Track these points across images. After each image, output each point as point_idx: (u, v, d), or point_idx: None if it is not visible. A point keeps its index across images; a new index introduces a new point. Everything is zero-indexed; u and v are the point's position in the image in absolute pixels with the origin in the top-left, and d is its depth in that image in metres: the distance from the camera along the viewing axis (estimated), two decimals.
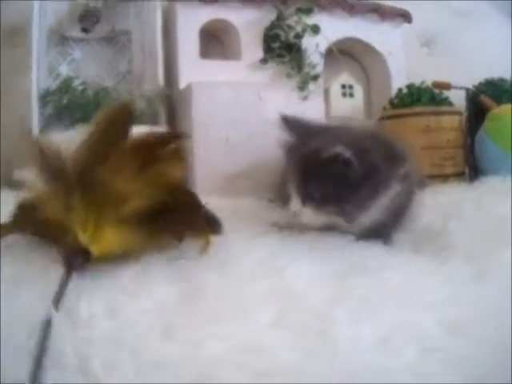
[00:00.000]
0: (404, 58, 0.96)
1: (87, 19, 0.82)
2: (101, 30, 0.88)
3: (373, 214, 0.60)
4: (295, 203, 0.59)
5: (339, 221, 0.59)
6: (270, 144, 0.69)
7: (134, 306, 0.40)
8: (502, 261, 0.55)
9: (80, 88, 0.84)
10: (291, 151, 0.61)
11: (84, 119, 0.81)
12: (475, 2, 1.07)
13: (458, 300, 0.47)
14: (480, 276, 0.52)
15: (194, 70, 0.84)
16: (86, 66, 0.90)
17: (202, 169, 0.77)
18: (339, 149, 0.55)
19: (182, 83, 0.83)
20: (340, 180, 0.56)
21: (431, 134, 0.85)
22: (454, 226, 0.65)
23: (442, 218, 0.68)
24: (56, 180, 0.45)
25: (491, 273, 0.52)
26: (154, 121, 0.83)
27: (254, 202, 0.78)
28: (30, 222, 0.47)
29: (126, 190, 0.44)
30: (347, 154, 0.55)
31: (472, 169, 0.88)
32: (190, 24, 0.85)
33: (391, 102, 0.90)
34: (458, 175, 0.87)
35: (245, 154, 0.80)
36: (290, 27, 0.85)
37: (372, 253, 0.59)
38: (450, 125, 0.86)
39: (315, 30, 0.85)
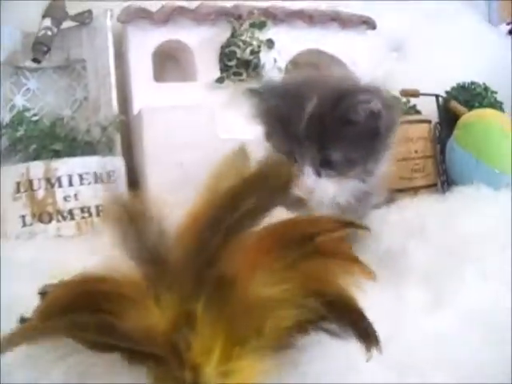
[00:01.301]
0: (371, 66, 0.92)
1: (37, 49, 0.80)
2: (56, 58, 0.87)
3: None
4: (305, 177, 0.49)
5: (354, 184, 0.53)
6: None
7: None
8: (461, 284, 0.51)
9: (34, 119, 0.82)
10: (282, 116, 0.51)
11: (40, 151, 0.79)
12: (445, 3, 1.02)
13: (408, 335, 0.43)
14: (435, 304, 0.48)
15: (148, 94, 0.82)
16: (43, 96, 0.88)
17: (155, 196, 0.75)
18: (373, 102, 0.48)
19: (136, 108, 0.81)
20: (366, 136, 0.50)
21: (397, 145, 0.81)
22: (414, 247, 0.61)
23: (404, 237, 0.65)
24: (153, 266, 0.30)
25: (448, 300, 0.49)
26: (109, 149, 0.81)
27: None
28: (84, 322, 0.30)
29: (274, 299, 0.30)
30: (378, 105, 0.49)
31: (444, 180, 0.83)
32: (142, 47, 0.83)
33: None
34: (429, 187, 0.83)
35: (201, 177, 0.77)
36: (245, 43, 0.82)
37: None
38: (418, 134, 0.82)
39: (270, 45, 0.82)
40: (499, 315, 0.44)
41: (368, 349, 0.33)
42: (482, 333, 0.42)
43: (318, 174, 0.50)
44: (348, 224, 0.35)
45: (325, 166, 0.50)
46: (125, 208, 0.32)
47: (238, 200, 0.31)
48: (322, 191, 0.50)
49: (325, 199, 0.52)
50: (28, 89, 0.88)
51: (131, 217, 0.32)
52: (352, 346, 0.36)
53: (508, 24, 1.12)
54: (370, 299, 0.48)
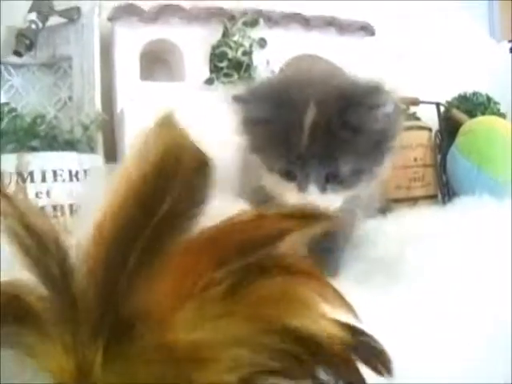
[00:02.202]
0: (369, 74, 0.88)
1: (19, 42, 0.77)
2: (42, 55, 0.84)
3: None
4: (310, 191, 0.43)
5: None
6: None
7: None
8: (465, 296, 0.45)
9: (13, 115, 0.78)
10: (276, 130, 0.44)
11: (18, 148, 0.75)
12: (449, 15, 1.00)
13: (404, 343, 0.37)
14: (437, 314, 0.43)
15: (133, 93, 0.78)
16: (26, 94, 0.85)
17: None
18: (388, 104, 0.43)
19: (120, 107, 0.77)
20: (377, 141, 0.45)
21: (396, 151, 0.76)
22: (412, 253, 0.56)
23: (401, 245, 0.60)
24: (50, 295, 0.23)
25: (452, 310, 0.43)
26: (91, 149, 0.77)
27: None
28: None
29: (210, 342, 0.21)
30: (392, 106, 0.44)
31: (445, 190, 0.78)
32: (130, 44, 0.79)
33: None
34: (429, 198, 0.78)
35: None
36: (237, 44, 0.79)
37: None
38: (417, 141, 0.78)
39: (262, 44, 0.79)
40: (504, 329, 0.40)
41: None
42: (485, 344, 0.38)
43: (324, 190, 0.44)
44: (317, 216, 0.24)
45: (331, 180, 0.44)
46: (19, 218, 0.23)
47: (148, 201, 0.22)
48: (327, 206, 0.44)
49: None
50: (12, 85, 0.84)
51: (27, 229, 0.23)
52: None
53: (509, 42, 1.09)
54: (365, 307, 0.44)
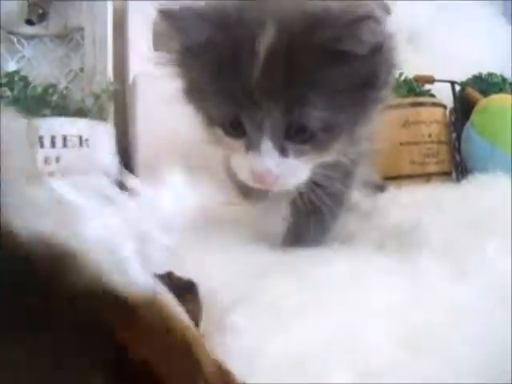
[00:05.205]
0: None
1: (31, 10, 0.77)
2: (54, 26, 0.83)
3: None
4: (263, 151, 0.29)
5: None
6: None
7: None
8: (483, 257, 0.45)
9: (21, 84, 0.77)
10: (218, 58, 0.31)
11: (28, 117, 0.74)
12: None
13: (423, 305, 0.37)
14: (455, 275, 0.42)
15: (146, 63, 0.77)
16: (38, 65, 0.84)
17: (147, 168, 0.69)
18: (382, 24, 0.29)
19: (132, 78, 0.76)
20: (360, 83, 0.30)
21: (410, 127, 0.75)
22: (428, 221, 0.55)
23: (417, 214, 0.59)
24: None
25: (469, 271, 0.42)
26: (101, 117, 0.76)
27: None
28: None
29: None
30: (386, 29, 0.29)
31: (459, 169, 0.77)
32: (143, 14, 0.78)
33: None
34: (443, 175, 0.76)
35: (196, 148, 0.71)
36: None
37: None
38: (432, 117, 0.76)
39: None
40: None
41: None
42: (505, 307, 0.37)
43: (283, 152, 0.30)
44: None
45: (294, 137, 0.30)
46: None
47: None
48: (289, 178, 0.31)
49: (292, 189, 0.32)
50: (23, 56, 0.84)
51: None
52: None
53: None
54: (383, 273, 0.43)
